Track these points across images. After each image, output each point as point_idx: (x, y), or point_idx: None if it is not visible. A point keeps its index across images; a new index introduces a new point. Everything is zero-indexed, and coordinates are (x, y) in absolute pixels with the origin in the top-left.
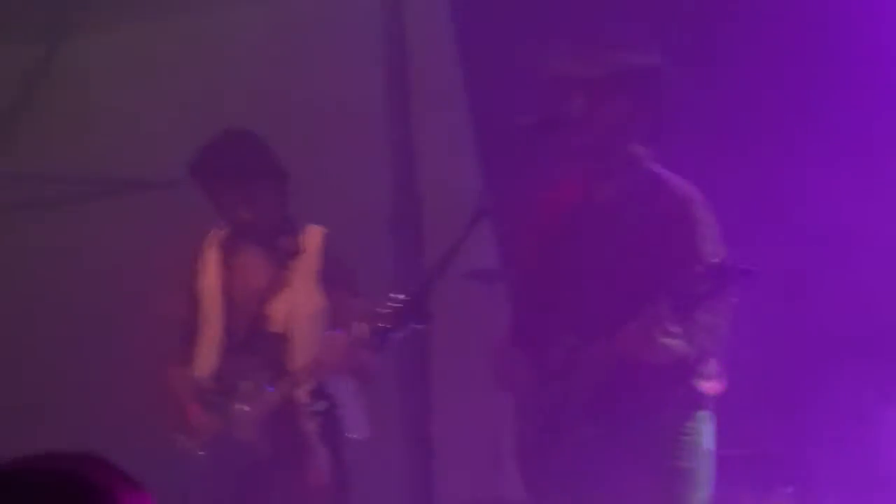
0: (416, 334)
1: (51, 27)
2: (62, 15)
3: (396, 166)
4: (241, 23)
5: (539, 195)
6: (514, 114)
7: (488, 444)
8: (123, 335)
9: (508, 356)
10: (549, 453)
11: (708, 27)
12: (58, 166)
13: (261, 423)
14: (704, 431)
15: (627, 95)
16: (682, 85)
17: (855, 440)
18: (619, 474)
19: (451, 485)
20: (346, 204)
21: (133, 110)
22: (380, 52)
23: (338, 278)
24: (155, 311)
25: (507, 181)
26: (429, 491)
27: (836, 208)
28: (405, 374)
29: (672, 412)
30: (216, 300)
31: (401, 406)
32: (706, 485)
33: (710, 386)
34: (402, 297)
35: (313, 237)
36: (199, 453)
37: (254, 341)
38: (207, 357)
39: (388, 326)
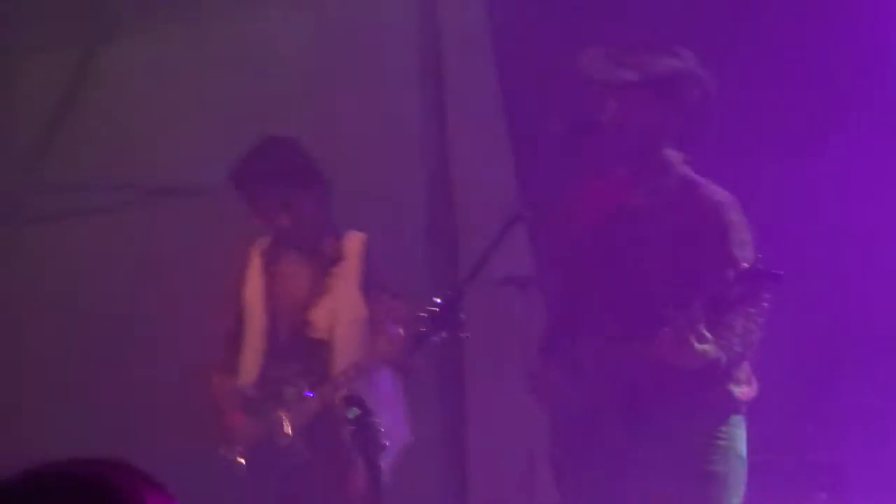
0: (453, 339)
1: (90, 33)
2: (101, 21)
3: (432, 172)
4: (279, 30)
5: (573, 200)
6: (549, 119)
7: (523, 448)
8: (165, 343)
9: (542, 361)
10: (582, 458)
11: (728, 27)
12: (98, 173)
13: (301, 428)
14: (737, 436)
15: (661, 100)
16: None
17: (889, 445)
18: (653, 479)
19: (486, 489)
20: (382, 210)
21: (171, 116)
22: (415, 59)
23: (378, 284)
24: (195, 318)
25: (542, 186)
26: (464, 495)
27: (865, 207)
28: (441, 378)
29: (705, 416)
30: (259, 308)
31: (436, 410)
32: (739, 490)
33: (742, 391)
34: (440, 301)
35: (354, 243)
36: (240, 460)
37: (296, 347)
38: (251, 365)
39: (427, 330)
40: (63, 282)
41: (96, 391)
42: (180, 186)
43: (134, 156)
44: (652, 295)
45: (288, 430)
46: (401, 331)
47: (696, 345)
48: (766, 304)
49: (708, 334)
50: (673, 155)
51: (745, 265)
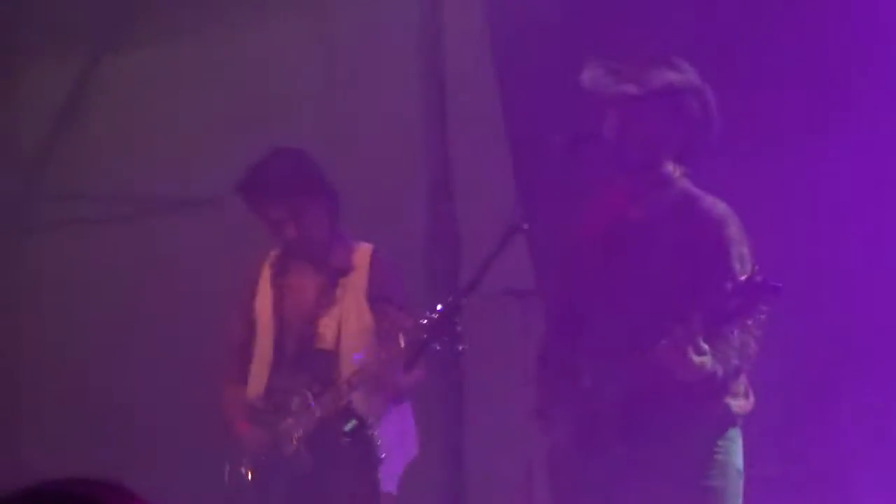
0: (450, 350)
1: (94, 41)
2: (105, 29)
3: (433, 181)
4: (281, 37)
5: (574, 212)
6: (550, 131)
7: (521, 461)
8: (166, 352)
9: (540, 373)
10: (579, 470)
11: (725, 29)
12: (101, 182)
13: (305, 438)
14: (734, 450)
15: (662, 114)
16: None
17: (887, 459)
18: (650, 492)
19: (483, 501)
20: (382, 219)
21: (174, 124)
22: (417, 69)
23: (386, 295)
24: (196, 327)
25: (542, 197)
26: None
27: (861, 212)
28: (439, 389)
29: (703, 430)
30: (268, 319)
31: (434, 421)
32: (737, 503)
33: (740, 404)
34: (440, 309)
35: (363, 255)
36: (245, 470)
37: (303, 358)
38: (259, 376)
39: (430, 340)
40: (63, 290)
41: (97, 399)
42: (183, 196)
43: (137, 165)
44: (651, 308)
45: (294, 439)
46: (402, 342)
47: (694, 357)
48: (763, 317)
49: (706, 346)
50: (673, 168)
51: (743, 277)
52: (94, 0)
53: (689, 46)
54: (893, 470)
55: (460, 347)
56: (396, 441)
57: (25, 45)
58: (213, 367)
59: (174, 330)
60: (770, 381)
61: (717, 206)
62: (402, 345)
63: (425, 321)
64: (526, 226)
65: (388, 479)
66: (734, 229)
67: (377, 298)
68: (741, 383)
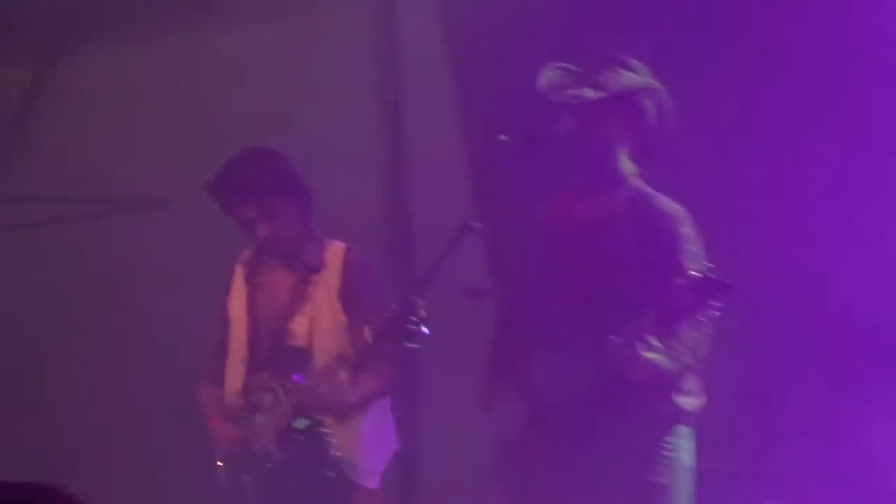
0: (404, 349)
1: (48, 47)
2: (59, 35)
3: (389, 182)
4: (241, 43)
5: (528, 211)
6: (505, 131)
7: (473, 457)
8: (134, 352)
9: (491, 372)
10: (528, 469)
11: (683, 31)
12: (54, 186)
13: (276, 433)
14: (685, 447)
15: (620, 116)
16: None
17: (837, 454)
18: (600, 490)
19: (435, 498)
20: (339, 219)
21: (133, 128)
22: (373, 66)
23: (359, 293)
24: (161, 326)
25: (497, 197)
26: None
27: (816, 215)
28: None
29: (652, 428)
30: (242, 318)
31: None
32: (686, 501)
33: (691, 402)
34: (395, 308)
35: (335, 252)
36: (219, 464)
37: (276, 356)
38: (234, 374)
39: (384, 338)
40: (14, 291)
41: (51, 400)
42: (141, 198)
43: (91, 166)
44: (603, 306)
45: (265, 435)
46: (370, 337)
47: (645, 354)
48: (716, 315)
49: (656, 343)
50: (628, 168)
51: (694, 274)
52: (49, 2)
53: (647, 47)
54: (838, 467)
55: (414, 345)
56: (376, 437)
57: None
58: (166, 366)
59: (127, 330)
60: (723, 379)
61: (671, 205)
62: (372, 342)
63: (393, 320)
64: (478, 224)
65: (369, 476)
66: (687, 228)
67: (349, 296)
68: (693, 382)
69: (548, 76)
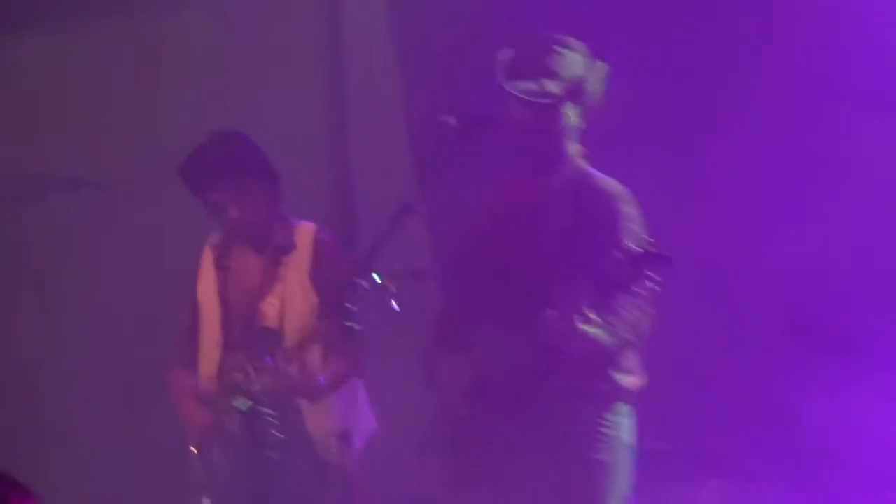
0: (348, 328)
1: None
2: (11, 15)
3: (331, 165)
4: (184, 28)
5: (469, 192)
6: (447, 113)
7: (415, 437)
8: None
9: (434, 350)
10: (468, 446)
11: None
12: (9, 165)
13: (247, 414)
14: (624, 425)
15: (569, 102)
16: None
17: (779, 433)
18: (540, 467)
19: (378, 477)
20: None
21: (67, 112)
22: (317, 51)
23: (329, 274)
24: (100, 309)
25: (438, 179)
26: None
27: (758, 195)
28: None
29: (591, 405)
30: (213, 302)
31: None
32: (626, 478)
33: (631, 380)
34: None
35: (305, 233)
36: (192, 450)
37: (248, 337)
38: (209, 358)
39: (325, 319)
40: None
41: (15, 384)
42: (86, 179)
43: (38, 147)
44: (543, 282)
45: (236, 416)
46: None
47: (583, 327)
48: (654, 289)
49: (594, 317)
50: (574, 150)
51: (632, 247)
52: None
53: (592, 32)
54: (781, 445)
55: (355, 326)
56: (350, 418)
57: None
58: (119, 348)
59: (80, 312)
60: (665, 357)
61: (612, 184)
62: (337, 322)
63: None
64: (419, 206)
65: (344, 456)
66: (627, 207)
67: (320, 277)
68: (632, 360)
69: (502, 66)
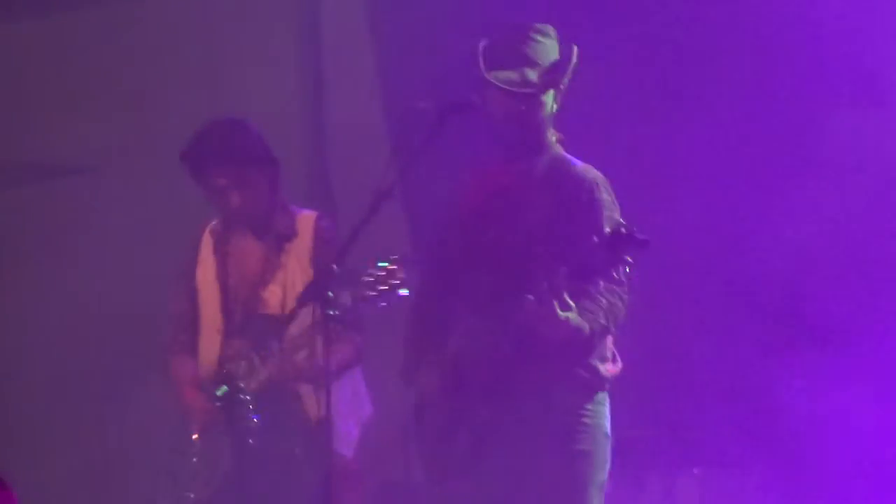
0: (325, 314)
1: None
2: None
3: (309, 149)
4: (167, 9)
5: (447, 178)
6: (423, 98)
7: (393, 425)
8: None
9: (411, 338)
10: (447, 436)
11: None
12: None
13: (251, 401)
14: (603, 413)
15: (549, 91)
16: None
17: (760, 420)
18: (519, 457)
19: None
20: None
21: (54, 97)
22: (294, 38)
23: (330, 261)
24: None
25: (416, 166)
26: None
27: (737, 184)
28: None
29: (571, 394)
30: (213, 288)
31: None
32: (604, 466)
33: (608, 368)
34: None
35: (306, 221)
36: (194, 437)
37: (249, 324)
38: (210, 344)
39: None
40: None
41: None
42: (65, 166)
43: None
44: (521, 269)
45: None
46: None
47: (560, 312)
48: (630, 276)
49: (571, 303)
50: (551, 137)
51: (610, 231)
52: None
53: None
54: (761, 433)
55: (331, 312)
56: (349, 404)
57: None
58: (87, 338)
59: (61, 299)
60: (646, 345)
61: (590, 172)
62: (342, 307)
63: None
64: (396, 192)
65: (344, 443)
66: (605, 194)
67: (322, 263)
68: (609, 347)
69: (481, 55)
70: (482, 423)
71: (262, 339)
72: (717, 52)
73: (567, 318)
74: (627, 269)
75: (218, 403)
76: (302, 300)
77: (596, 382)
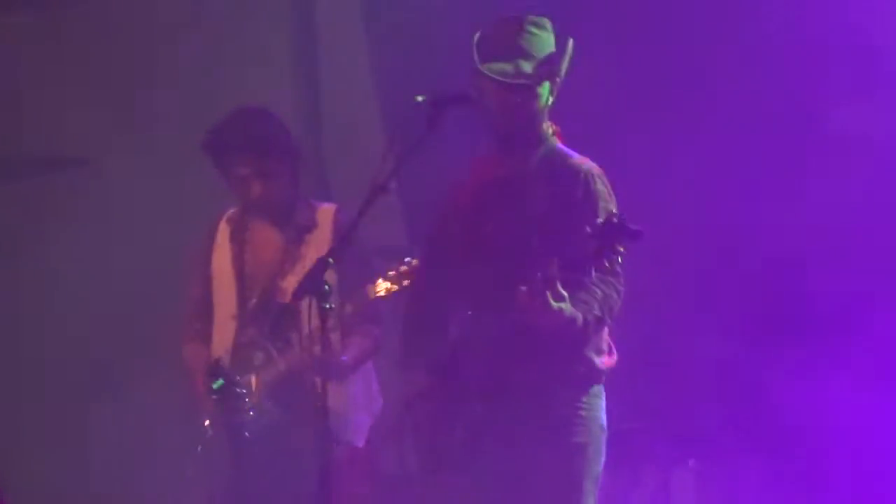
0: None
1: None
2: None
3: (303, 143)
4: (157, 8)
5: (443, 170)
6: (418, 91)
7: (391, 418)
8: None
9: (407, 331)
10: (444, 429)
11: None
12: None
13: (268, 391)
14: (598, 406)
15: (545, 84)
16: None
17: (755, 414)
18: (515, 450)
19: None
20: None
21: (48, 88)
22: (290, 31)
23: (349, 253)
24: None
25: (412, 159)
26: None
27: (728, 179)
28: None
29: (567, 388)
30: (229, 276)
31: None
32: (599, 459)
33: (603, 360)
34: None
35: (325, 213)
36: (206, 424)
37: (266, 314)
38: (224, 332)
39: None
40: None
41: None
42: (55, 155)
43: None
44: (517, 261)
45: (256, 393)
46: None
47: (553, 302)
48: (622, 266)
49: (565, 293)
50: (547, 129)
51: (601, 220)
52: None
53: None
54: (756, 426)
55: (328, 305)
56: (362, 397)
57: None
58: (87, 331)
59: (56, 289)
60: (641, 335)
61: (586, 163)
62: (370, 298)
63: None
64: (392, 185)
65: (356, 434)
66: (601, 185)
67: (342, 256)
68: (605, 339)
69: (476, 47)
70: (478, 415)
71: (280, 330)
72: (717, 41)
73: (560, 309)
74: (620, 260)
75: (214, 396)
76: (298, 293)
77: (592, 375)
